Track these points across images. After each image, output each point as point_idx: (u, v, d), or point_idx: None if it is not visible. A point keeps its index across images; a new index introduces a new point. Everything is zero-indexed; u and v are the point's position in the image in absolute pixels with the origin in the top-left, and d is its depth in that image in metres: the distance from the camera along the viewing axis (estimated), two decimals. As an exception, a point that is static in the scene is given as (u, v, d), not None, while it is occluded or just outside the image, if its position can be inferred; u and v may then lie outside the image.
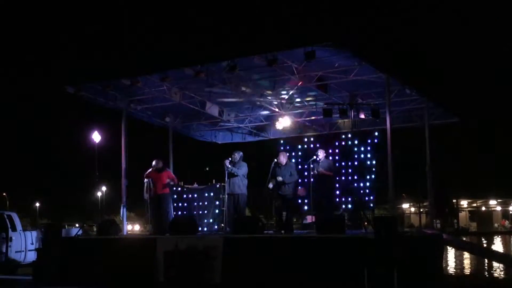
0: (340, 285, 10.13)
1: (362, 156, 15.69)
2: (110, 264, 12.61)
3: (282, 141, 17.53)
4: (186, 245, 11.80)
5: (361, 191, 15.21)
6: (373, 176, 15.43)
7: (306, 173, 15.27)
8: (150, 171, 14.47)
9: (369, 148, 15.60)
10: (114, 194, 42.57)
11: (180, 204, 16.27)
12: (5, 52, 68.62)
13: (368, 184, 15.46)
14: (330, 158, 15.39)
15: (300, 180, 16.16)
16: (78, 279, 12.76)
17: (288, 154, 14.78)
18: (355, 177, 15.47)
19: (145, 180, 14.73)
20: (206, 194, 15.96)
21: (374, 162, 15.61)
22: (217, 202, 15.57)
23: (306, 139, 17.08)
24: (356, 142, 15.62)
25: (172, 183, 14.79)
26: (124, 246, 12.98)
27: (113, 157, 18.39)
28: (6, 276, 15.97)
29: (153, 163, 14.69)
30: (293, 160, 16.49)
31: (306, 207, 15.32)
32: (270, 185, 13.56)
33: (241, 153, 14.05)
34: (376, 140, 15.63)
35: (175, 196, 16.11)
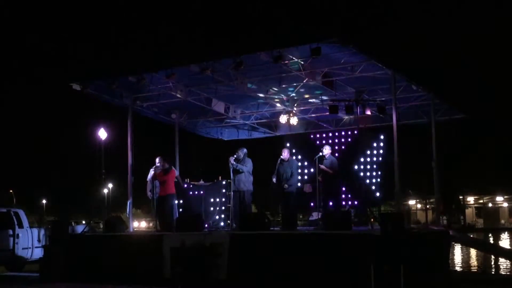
0: (346, 281, 10.13)
1: (368, 152, 15.71)
2: (116, 260, 12.65)
3: (288, 138, 17.54)
4: (192, 241, 11.81)
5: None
6: (379, 173, 15.51)
7: (312, 170, 15.30)
8: (156, 173, 14.29)
9: (374, 144, 15.67)
10: (120, 191, 42.64)
11: (186, 201, 16.26)
12: (12, 48, 68.93)
13: (373, 180, 15.54)
14: (336, 154, 15.43)
15: (306, 177, 16.22)
16: (84, 275, 12.81)
17: (291, 150, 14.82)
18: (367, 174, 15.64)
19: (148, 178, 14.67)
20: (212, 191, 15.96)
21: (380, 158, 15.64)
22: (223, 199, 15.59)
23: (312, 136, 17.07)
24: (362, 138, 15.67)
25: (176, 180, 14.73)
26: (130, 243, 13.02)
27: (120, 154, 18.40)
28: (13, 273, 16.07)
29: (157, 160, 14.60)
30: (299, 157, 16.50)
31: (312, 204, 15.31)
32: (274, 179, 13.98)
33: (245, 150, 14.05)
34: (381, 137, 15.68)
35: (187, 193, 16.10)
